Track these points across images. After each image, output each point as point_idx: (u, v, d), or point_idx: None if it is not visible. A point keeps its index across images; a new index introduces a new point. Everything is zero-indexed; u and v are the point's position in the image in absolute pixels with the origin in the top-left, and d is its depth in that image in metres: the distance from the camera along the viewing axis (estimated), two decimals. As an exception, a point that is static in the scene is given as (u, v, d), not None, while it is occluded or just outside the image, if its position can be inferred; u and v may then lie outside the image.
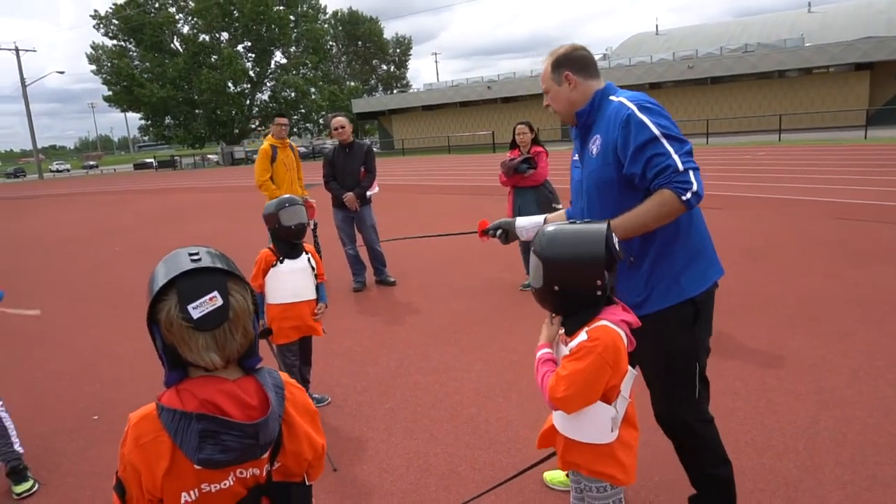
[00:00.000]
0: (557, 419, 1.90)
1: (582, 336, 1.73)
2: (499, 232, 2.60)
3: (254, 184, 6.91)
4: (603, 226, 1.74)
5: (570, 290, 1.73)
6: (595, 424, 1.79)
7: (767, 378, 3.77)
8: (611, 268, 1.73)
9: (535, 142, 5.91)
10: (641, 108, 2.09)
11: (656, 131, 2.04)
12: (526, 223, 2.57)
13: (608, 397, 1.78)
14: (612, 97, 2.22)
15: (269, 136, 6.71)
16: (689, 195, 1.99)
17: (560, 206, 5.81)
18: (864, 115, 26.09)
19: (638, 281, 2.19)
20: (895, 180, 11.50)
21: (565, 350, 1.78)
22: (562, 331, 1.85)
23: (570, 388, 1.69)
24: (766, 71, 31.96)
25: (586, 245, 1.70)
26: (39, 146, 57.63)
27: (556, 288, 1.74)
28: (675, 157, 2.01)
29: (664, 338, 2.19)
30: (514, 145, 5.99)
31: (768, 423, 3.25)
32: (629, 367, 1.80)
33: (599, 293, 1.71)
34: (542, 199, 5.84)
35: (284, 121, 6.72)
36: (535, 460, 2.47)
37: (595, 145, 2.22)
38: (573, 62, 2.27)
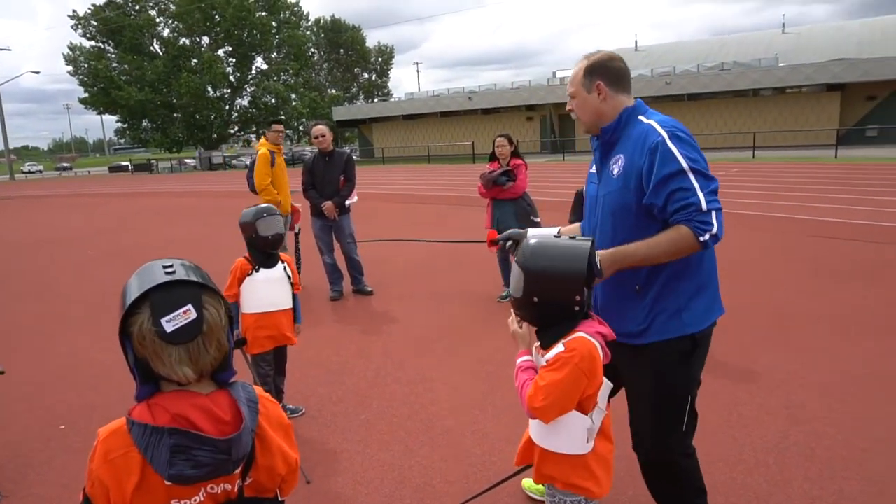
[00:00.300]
0: (534, 430, 1.91)
1: (559, 347, 1.76)
2: (509, 243, 2.49)
3: (243, 189, 6.89)
4: (587, 244, 1.76)
5: (549, 303, 1.76)
6: (571, 435, 1.81)
7: (738, 392, 3.83)
8: (589, 284, 1.76)
9: (515, 154, 5.96)
10: (672, 137, 1.99)
11: (684, 164, 1.95)
12: (538, 234, 2.53)
13: (584, 408, 1.80)
14: (641, 117, 2.12)
15: (264, 141, 6.75)
16: (707, 236, 1.93)
17: (538, 220, 5.85)
18: (834, 134, 26.74)
19: (640, 311, 2.12)
20: (867, 199, 11.80)
21: (542, 360, 1.80)
22: (537, 343, 1.87)
23: (547, 398, 1.72)
24: (742, 89, 32.65)
25: (568, 261, 1.73)
26: (11, 146, 56.48)
27: (535, 299, 1.76)
28: (700, 194, 1.93)
29: (659, 369, 2.15)
30: (493, 157, 6.03)
31: (739, 437, 3.29)
32: (606, 381, 1.83)
33: (577, 308, 1.74)
34: (520, 212, 5.88)
35: (281, 127, 6.82)
36: (510, 473, 2.48)
37: (617, 165, 2.13)
38: (608, 72, 2.16)
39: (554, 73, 44.99)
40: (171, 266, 1.22)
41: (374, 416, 3.80)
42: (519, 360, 1.90)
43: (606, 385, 1.85)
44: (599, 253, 2.00)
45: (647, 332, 2.12)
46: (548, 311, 1.78)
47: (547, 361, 1.77)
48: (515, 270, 1.82)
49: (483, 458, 3.23)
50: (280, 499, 1.39)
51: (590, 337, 1.76)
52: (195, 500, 1.23)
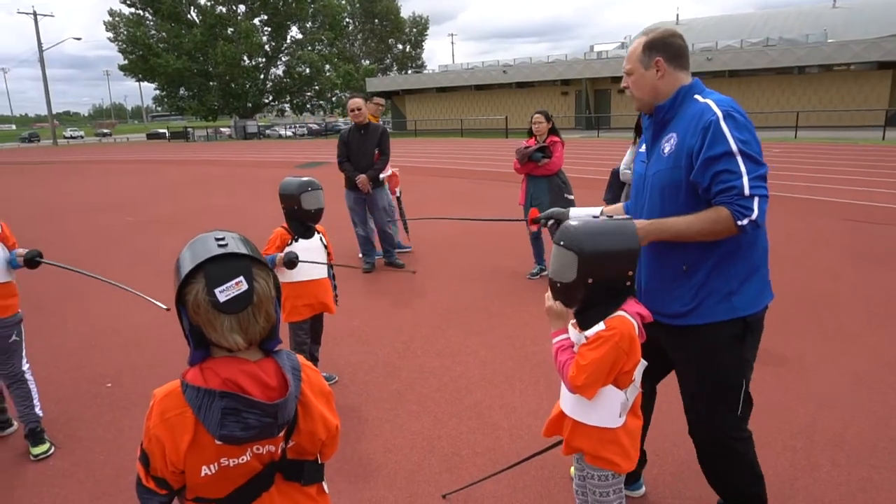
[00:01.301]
0: (567, 403, 1.96)
1: (600, 325, 1.81)
2: (550, 222, 2.47)
3: (278, 159, 7.05)
4: (632, 221, 1.83)
5: (603, 282, 1.80)
6: (606, 408, 1.87)
7: (768, 376, 3.82)
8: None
9: (552, 131, 5.91)
10: (727, 117, 1.97)
11: (734, 146, 1.93)
12: (580, 214, 2.48)
13: (620, 383, 1.85)
14: (697, 96, 2.10)
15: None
16: (745, 221, 1.91)
17: (572, 197, 5.82)
18: (883, 115, 25.71)
19: (688, 290, 2.10)
20: (910, 183, 11.41)
21: (581, 337, 1.85)
22: (573, 320, 1.92)
23: (590, 376, 1.79)
24: (786, 66, 31.51)
25: (623, 238, 1.79)
26: (54, 112, 57.80)
27: (591, 280, 1.80)
28: (745, 178, 1.91)
29: (710, 352, 2.13)
30: (530, 133, 6.00)
31: (767, 421, 3.30)
32: (642, 359, 1.89)
33: (629, 283, 1.80)
34: (554, 189, 5.86)
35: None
36: (536, 447, 2.53)
37: (669, 144, 2.10)
38: (668, 48, 2.12)
39: (591, 47, 44.10)
40: (223, 239, 1.29)
41: (404, 386, 3.90)
42: (556, 340, 1.94)
43: (642, 363, 1.90)
44: (638, 222, 2.01)
45: (695, 313, 2.10)
46: (599, 291, 1.82)
47: (587, 339, 1.82)
48: (560, 254, 1.83)
49: (510, 431, 3.30)
50: (320, 462, 1.47)
51: (629, 316, 1.82)
52: (242, 460, 1.31)
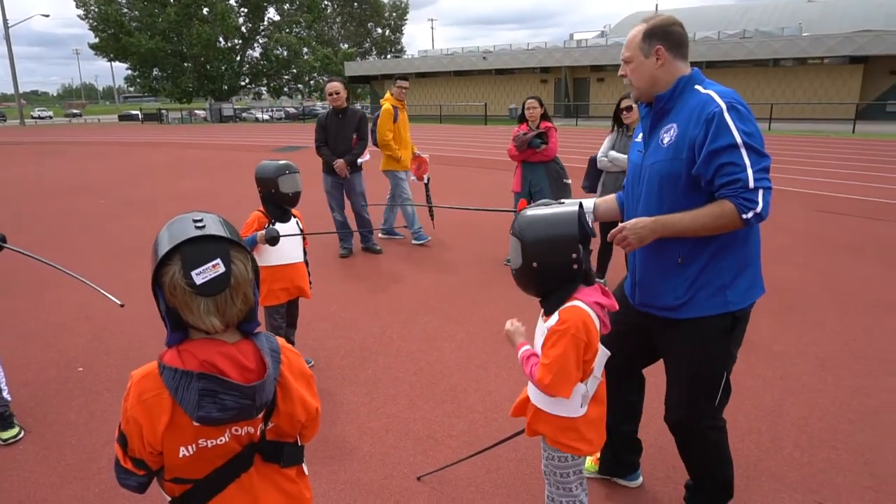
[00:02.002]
0: (531, 390, 2.00)
1: (554, 318, 1.84)
2: None
3: (254, 143, 6.94)
4: (574, 207, 1.84)
5: (548, 267, 1.84)
6: (566, 400, 1.89)
7: (737, 363, 3.89)
8: (585, 244, 1.84)
9: (545, 117, 5.92)
10: (730, 109, 1.96)
11: (738, 139, 1.92)
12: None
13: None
14: (698, 87, 2.08)
15: (388, 96, 6.91)
16: (750, 214, 1.92)
17: (569, 181, 5.83)
18: (853, 108, 26.25)
19: (682, 283, 2.11)
20: (879, 176, 11.70)
21: (544, 328, 1.88)
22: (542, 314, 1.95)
23: (556, 374, 1.81)
24: (762, 58, 31.96)
25: (560, 225, 1.82)
26: (21, 91, 56.23)
27: (535, 265, 1.84)
28: (749, 171, 1.91)
29: (699, 345, 2.15)
30: (522, 119, 5.99)
31: (734, 404, 3.37)
32: (601, 348, 1.91)
33: (576, 267, 1.81)
34: (552, 174, 5.87)
35: (406, 83, 6.96)
36: (510, 430, 2.57)
37: (668, 134, 2.09)
38: (669, 36, 2.10)
39: (571, 36, 44.12)
40: (201, 220, 1.28)
41: (381, 370, 3.91)
42: (520, 353, 1.98)
43: (603, 353, 1.92)
44: (642, 220, 2.04)
45: (687, 307, 2.11)
46: (548, 276, 1.85)
47: (544, 338, 1.86)
48: (511, 241, 1.89)
49: (485, 414, 3.34)
50: (300, 444, 1.48)
51: (585, 306, 1.84)
52: (220, 441, 1.32)
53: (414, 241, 7.17)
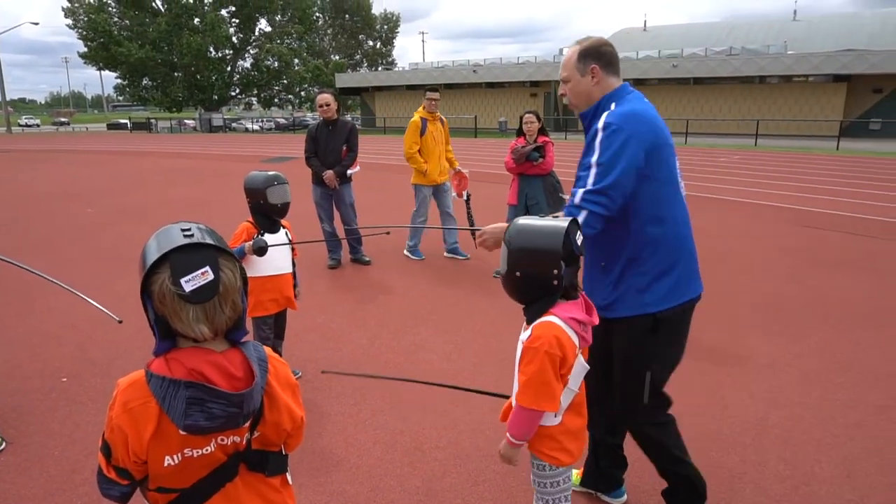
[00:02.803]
0: (515, 397, 2.02)
1: (527, 333, 1.87)
2: None
3: (244, 153, 6.89)
4: (564, 223, 1.85)
5: (530, 277, 1.86)
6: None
7: (723, 376, 3.95)
8: (569, 262, 1.85)
9: (542, 132, 5.98)
10: (606, 127, 2.15)
11: (595, 157, 2.15)
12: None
13: None
14: (613, 104, 2.24)
15: (420, 108, 6.76)
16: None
17: (566, 196, 5.88)
18: (837, 126, 26.67)
19: (606, 285, 2.29)
20: (863, 192, 11.87)
21: (524, 336, 1.90)
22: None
23: (536, 390, 1.82)
24: (748, 75, 32.42)
25: (546, 238, 1.83)
26: (9, 98, 55.80)
27: (518, 274, 1.87)
28: (581, 191, 2.14)
29: (621, 344, 2.33)
30: (520, 133, 6.05)
31: (719, 417, 3.42)
32: (582, 362, 1.92)
33: (556, 282, 1.83)
34: (549, 188, 5.92)
35: (436, 95, 6.74)
36: (497, 441, 2.55)
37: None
38: (602, 56, 2.26)
39: (560, 50, 44.52)
40: (189, 229, 1.29)
41: (369, 382, 3.90)
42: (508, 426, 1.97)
43: (582, 367, 1.93)
44: (501, 224, 2.30)
45: (612, 308, 2.29)
46: (529, 286, 1.88)
47: (520, 353, 1.88)
48: (503, 248, 1.93)
49: (472, 426, 3.35)
50: (285, 453, 1.48)
51: (559, 321, 1.84)
52: (206, 450, 1.31)
53: (446, 255, 7.04)
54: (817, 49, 33.43)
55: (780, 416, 3.43)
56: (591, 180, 2.13)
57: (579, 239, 1.89)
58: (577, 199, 2.14)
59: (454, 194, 6.83)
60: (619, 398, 2.42)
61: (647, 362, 2.31)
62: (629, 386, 2.35)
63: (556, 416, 1.93)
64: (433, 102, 6.71)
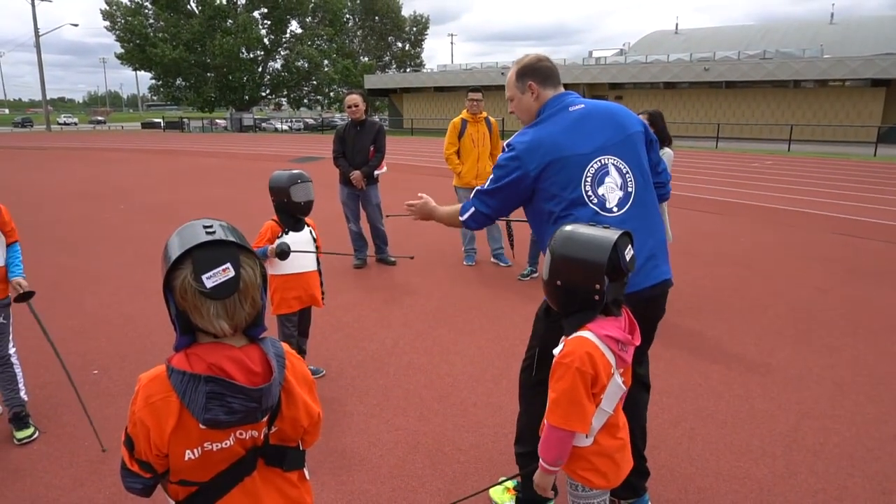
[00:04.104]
0: (545, 413, 1.98)
1: (559, 347, 1.82)
2: None
3: (274, 152, 6.96)
4: (614, 235, 1.77)
5: (570, 288, 1.80)
6: None
7: (752, 385, 3.86)
8: (614, 277, 1.77)
9: None
10: (507, 147, 2.40)
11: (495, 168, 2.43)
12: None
13: None
14: (531, 128, 2.42)
15: (464, 110, 6.61)
16: (465, 216, 2.52)
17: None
18: (875, 131, 25.97)
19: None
20: (899, 200, 11.53)
21: (556, 351, 1.86)
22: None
23: (566, 409, 1.77)
24: (782, 79, 31.78)
25: (589, 250, 1.76)
26: (49, 97, 57.37)
27: (559, 283, 1.81)
28: (480, 190, 2.47)
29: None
30: None
31: (748, 428, 3.34)
32: (618, 383, 1.85)
33: (597, 297, 1.77)
34: None
35: (478, 95, 6.51)
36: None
37: None
38: (537, 72, 2.42)
39: (590, 53, 44.23)
40: (211, 226, 1.31)
41: (392, 382, 3.91)
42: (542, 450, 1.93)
43: (618, 388, 1.85)
44: (430, 203, 2.68)
45: None
46: (570, 298, 1.82)
47: (551, 372, 1.82)
48: (547, 253, 1.87)
49: (495, 429, 3.33)
50: (302, 449, 1.49)
51: (594, 337, 1.78)
52: (225, 444, 1.33)
53: (492, 259, 6.95)
54: (855, 53, 32.62)
55: (812, 428, 3.34)
56: (486, 183, 2.44)
57: (629, 254, 1.80)
58: (470, 195, 2.50)
59: None
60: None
61: (536, 341, 2.48)
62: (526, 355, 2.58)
63: (587, 437, 1.86)
64: (475, 103, 6.48)
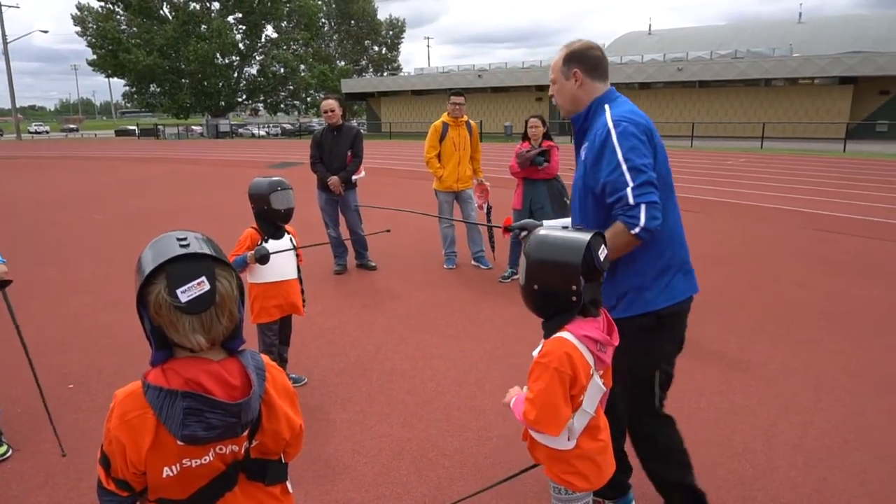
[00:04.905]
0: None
1: (538, 348, 1.82)
2: (523, 233, 2.47)
3: (251, 158, 6.89)
4: (586, 237, 1.77)
5: (548, 292, 1.81)
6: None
7: (733, 381, 3.91)
8: (589, 278, 1.78)
9: (546, 136, 5.95)
10: (616, 128, 2.13)
11: (620, 157, 2.08)
12: (551, 225, 2.47)
13: None
14: (606, 106, 2.25)
15: (445, 114, 6.54)
16: (637, 230, 2.06)
17: (570, 202, 5.82)
18: (844, 128, 26.52)
19: (612, 287, 2.27)
20: (871, 195, 11.78)
21: (535, 352, 1.86)
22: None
23: (541, 409, 1.76)
24: (754, 78, 32.33)
25: (564, 252, 1.77)
26: (19, 105, 56.26)
27: (535, 287, 1.81)
28: (629, 188, 2.06)
29: (627, 343, 2.21)
30: (525, 137, 6.02)
31: (730, 423, 3.38)
32: (598, 384, 1.86)
33: (574, 299, 1.77)
34: (553, 193, 5.89)
35: (460, 99, 6.44)
36: (503, 448, 2.55)
37: (584, 152, 2.29)
38: (585, 60, 2.29)
39: (565, 55, 44.50)
40: (185, 238, 1.28)
41: (375, 388, 3.89)
42: (512, 401, 1.98)
43: (598, 389, 1.86)
44: None
45: (618, 308, 2.27)
46: (547, 301, 1.82)
47: (530, 369, 1.82)
48: (522, 259, 1.87)
49: (479, 432, 3.32)
50: (284, 462, 1.47)
51: (573, 338, 1.78)
52: (205, 460, 1.30)
53: (473, 262, 6.93)
54: (823, 51, 33.31)
55: (791, 422, 3.39)
56: (628, 177, 2.06)
57: (602, 254, 1.81)
58: (629, 200, 2.05)
59: (477, 204, 6.70)
60: (629, 401, 2.38)
61: (654, 361, 2.30)
62: (635, 384, 2.33)
63: (569, 440, 1.86)
64: (457, 107, 6.43)
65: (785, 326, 4.87)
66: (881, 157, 20.51)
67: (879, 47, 32.99)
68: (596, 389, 1.85)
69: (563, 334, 1.79)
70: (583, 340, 1.79)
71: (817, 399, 3.65)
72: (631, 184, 2.06)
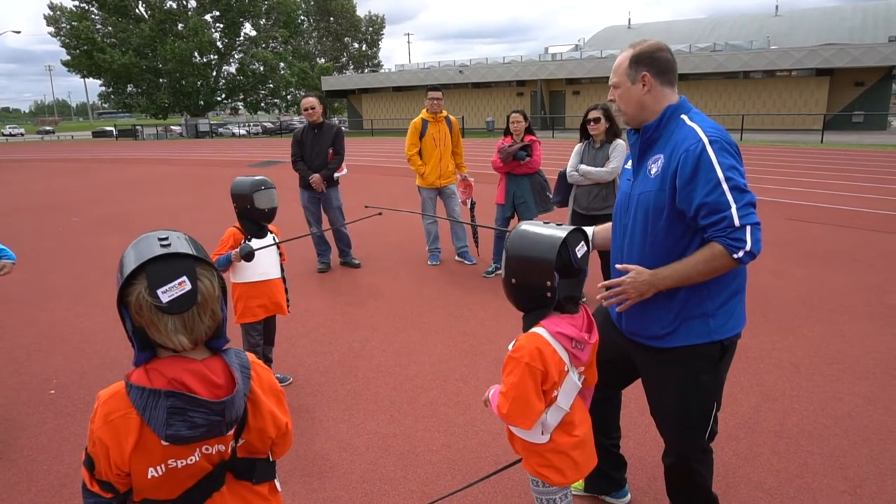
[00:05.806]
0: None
1: (511, 344, 1.83)
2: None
3: (231, 158, 6.83)
4: (562, 234, 1.78)
5: (524, 286, 1.83)
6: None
7: (714, 370, 3.95)
8: (565, 274, 1.79)
9: (528, 131, 5.96)
10: (713, 144, 1.93)
11: (720, 175, 1.89)
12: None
13: None
14: (684, 117, 2.06)
15: (424, 110, 6.50)
16: (741, 253, 1.87)
17: (552, 195, 5.81)
18: (821, 119, 26.91)
19: (667, 312, 2.06)
20: (848, 185, 11.97)
21: (510, 346, 1.87)
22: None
23: (513, 403, 1.78)
24: (732, 71, 32.65)
25: (539, 248, 1.78)
26: (-9, 108, 55.07)
27: (514, 281, 1.84)
28: (734, 208, 1.87)
29: (687, 375, 2.10)
30: (507, 132, 6.03)
31: (712, 412, 3.42)
32: (574, 380, 1.86)
33: (549, 295, 1.79)
34: (536, 187, 5.91)
35: (438, 94, 6.40)
36: (489, 442, 2.57)
37: (656, 165, 2.05)
38: (655, 63, 2.07)
39: (546, 49, 44.72)
40: (166, 238, 1.27)
41: (360, 386, 3.89)
42: (491, 395, 1.98)
43: (574, 385, 1.87)
44: (642, 274, 2.00)
45: (673, 336, 2.07)
46: (524, 295, 1.84)
47: (503, 366, 1.84)
48: (504, 253, 1.89)
49: (465, 427, 3.33)
50: (272, 460, 1.47)
51: (546, 334, 1.79)
52: (191, 460, 1.30)
53: (456, 258, 6.95)
54: (799, 44, 33.73)
55: (772, 409, 3.45)
56: (730, 197, 1.87)
57: (580, 251, 1.80)
58: (735, 221, 1.86)
59: (461, 200, 6.71)
60: (682, 434, 2.20)
61: (716, 392, 2.13)
62: (693, 419, 2.14)
63: (543, 434, 1.87)
64: (435, 102, 6.41)
65: (763, 314, 4.94)
66: (857, 147, 20.84)
67: (855, 39, 33.51)
68: (571, 386, 1.86)
69: (537, 329, 1.81)
70: (556, 337, 1.79)
71: (797, 386, 3.71)
72: (734, 205, 1.87)
